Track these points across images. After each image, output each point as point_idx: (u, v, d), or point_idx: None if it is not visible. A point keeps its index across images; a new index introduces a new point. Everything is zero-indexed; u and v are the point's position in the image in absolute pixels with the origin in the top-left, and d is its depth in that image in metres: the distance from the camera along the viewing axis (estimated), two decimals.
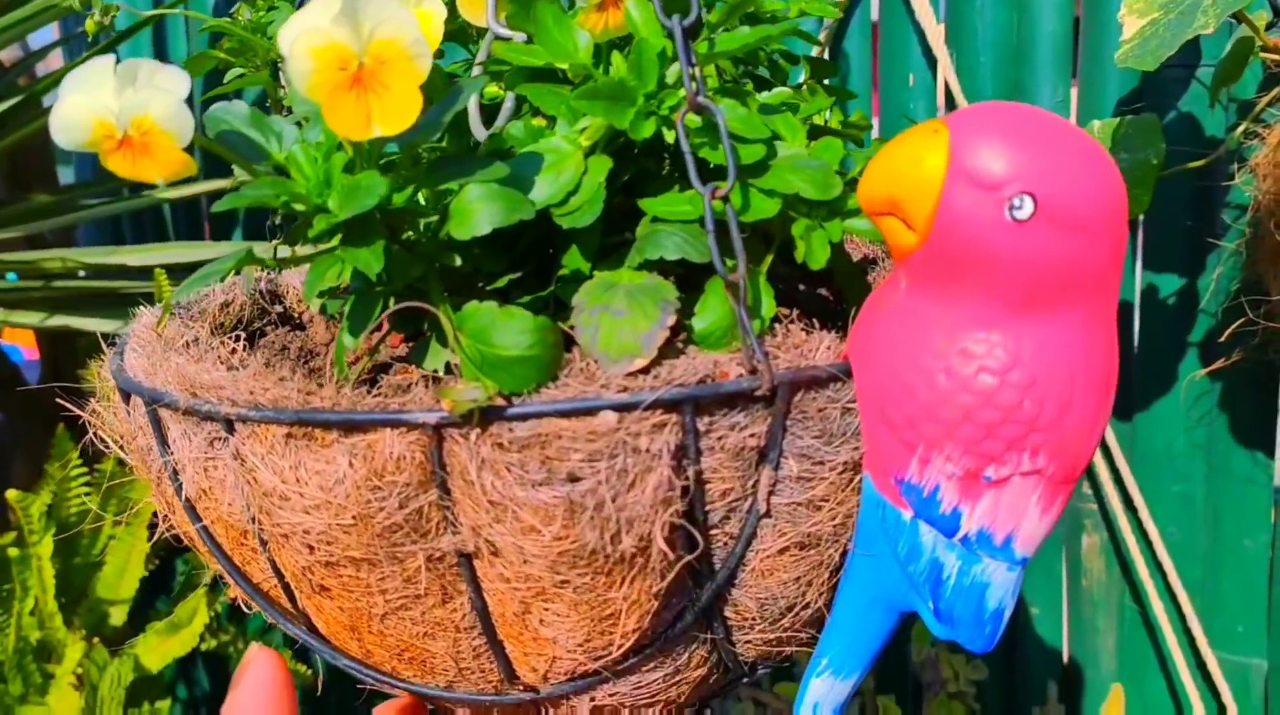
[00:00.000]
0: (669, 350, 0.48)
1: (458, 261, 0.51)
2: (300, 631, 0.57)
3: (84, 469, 1.24)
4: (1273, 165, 0.83)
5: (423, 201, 0.49)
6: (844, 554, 0.51)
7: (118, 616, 1.37)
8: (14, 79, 1.60)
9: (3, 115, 1.39)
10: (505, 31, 0.58)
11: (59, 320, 1.31)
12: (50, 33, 1.72)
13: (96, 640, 1.33)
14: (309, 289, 0.46)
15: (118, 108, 0.42)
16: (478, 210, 0.47)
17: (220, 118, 0.48)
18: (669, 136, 0.52)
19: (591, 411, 0.45)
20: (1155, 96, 1.03)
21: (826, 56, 1.19)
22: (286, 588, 0.53)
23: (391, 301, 0.50)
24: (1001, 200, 0.42)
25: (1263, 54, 0.81)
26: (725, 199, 0.49)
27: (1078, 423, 0.44)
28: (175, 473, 0.53)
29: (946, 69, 1.05)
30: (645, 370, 0.47)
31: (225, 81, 0.73)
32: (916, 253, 0.44)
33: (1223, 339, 0.98)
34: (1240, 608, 1.08)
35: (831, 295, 0.66)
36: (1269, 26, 0.82)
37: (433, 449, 0.46)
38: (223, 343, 0.57)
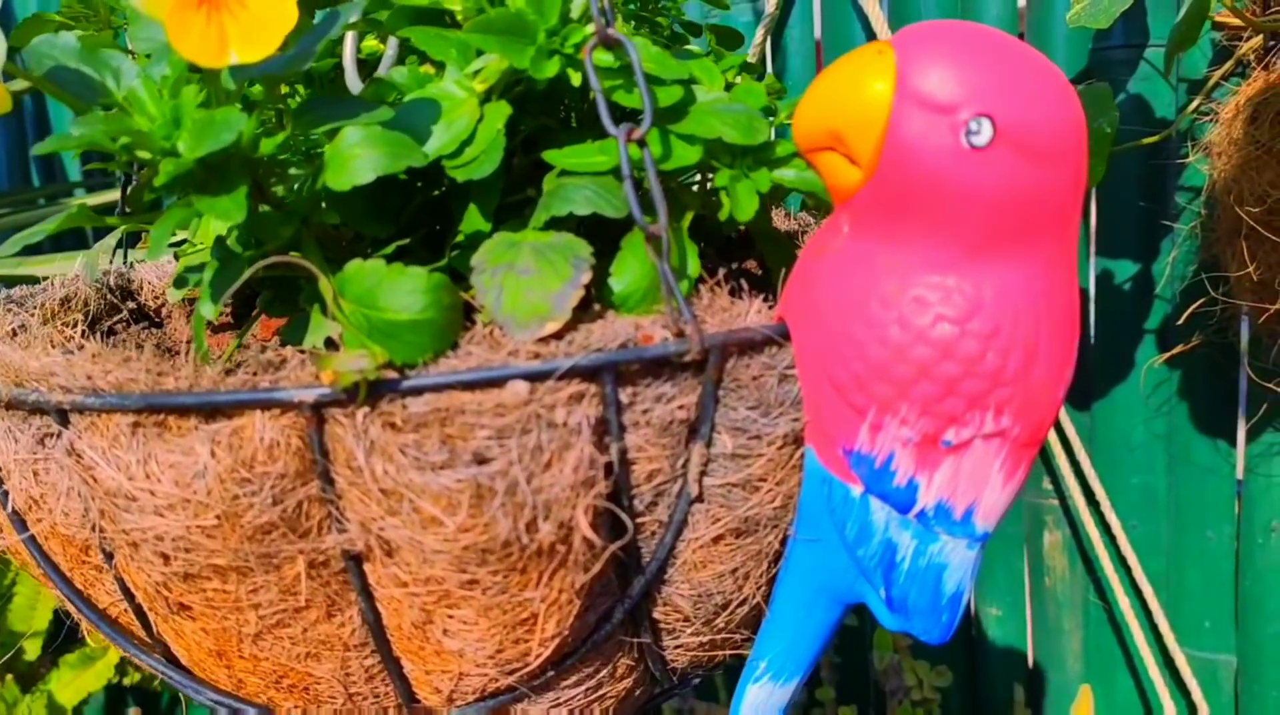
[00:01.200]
0: (584, 314, 0.43)
1: (335, 220, 0.44)
2: (157, 663, 0.49)
3: None
4: (1228, 143, 0.82)
5: (292, 153, 0.43)
6: (784, 541, 0.47)
7: (31, 650, 1.30)
8: None
9: None
10: None
11: None
12: None
13: (9, 676, 1.26)
14: (153, 246, 0.39)
15: None
16: (358, 156, 0.41)
17: (45, 52, 0.41)
18: (574, 80, 0.47)
19: (499, 382, 0.40)
20: (1103, 75, 1.01)
21: (769, 56, 1.16)
22: (139, 610, 0.46)
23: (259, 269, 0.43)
24: (957, 124, 0.38)
25: (1214, 31, 0.80)
26: (642, 143, 0.44)
27: (1043, 375, 0.40)
28: None
29: None
30: (558, 335, 0.42)
31: None
32: (861, 190, 0.40)
33: (1180, 322, 0.97)
34: (1206, 603, 1.07)
35: (755, 264, 0.61)
36: None
37: (311, 432, 0.39)
38: (58, 329, 0.49)
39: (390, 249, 0.49)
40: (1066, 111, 0.39)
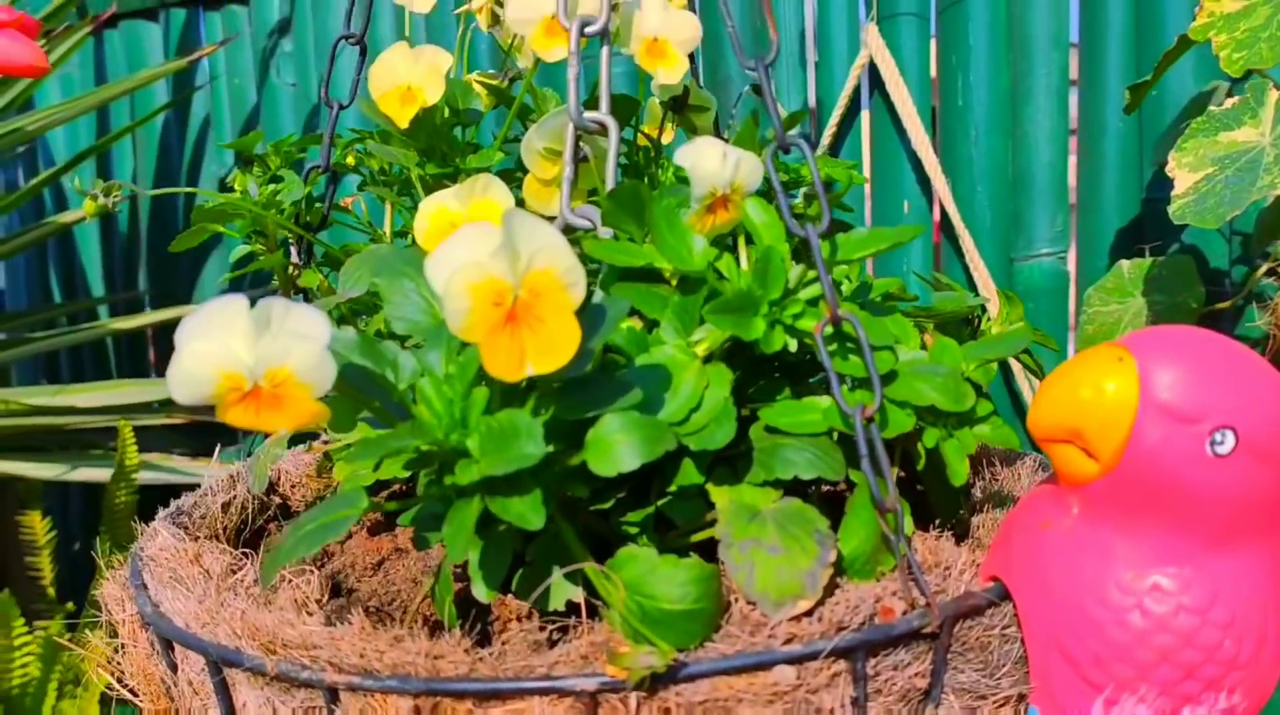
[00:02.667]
0: None
1: (584, 494, 0.47)
2: None
3: (27, 635, 1.12)
4: None
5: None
6: None
7: None
8: None
9: None
10: (580, 222, 0.56)
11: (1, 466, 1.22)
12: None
13: None
14: (453, 548, 0.42)
15: (252, 359, 0.38)
16: (619, 443, 0.44)
17: (336, 350, 0.44)
18: (790, 345, 0.51)
19: (765, 666, 0.42)
20: (1155, 224, 1.06)
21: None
22: None
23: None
24: (1201, 435, 0.41)
25: None
26: (871, 419, 0.47)
27: (1271, 656, 0.44)
28: None
29: (944, 197, 1.06)
30: (808, 611, 0.44)
31: (232, 262, 0.68)
32: (1097, 481, 0.43)
33: None
34: None
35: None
36: None
37: None
38: (289, 581, 0.51)
39: (609, 502, 0.52)
40: None
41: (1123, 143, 1.06)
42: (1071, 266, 1.10)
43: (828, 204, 0.48)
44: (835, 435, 0.51)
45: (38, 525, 1.32)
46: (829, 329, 0.49)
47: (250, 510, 0.70)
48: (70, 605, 1.35)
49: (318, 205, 0.76)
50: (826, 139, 1.12)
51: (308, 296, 0.70)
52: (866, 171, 1.15)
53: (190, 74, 1.52)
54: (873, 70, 1.11)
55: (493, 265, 0.40)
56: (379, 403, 0.44)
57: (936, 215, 1.14)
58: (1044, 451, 0.45)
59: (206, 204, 0.66)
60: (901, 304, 0.63)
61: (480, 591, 0.45)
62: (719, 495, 0.50)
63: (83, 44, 1.46)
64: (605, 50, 0.57)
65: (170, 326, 1.46)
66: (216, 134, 1.53)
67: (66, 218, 1.51)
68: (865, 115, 1.15)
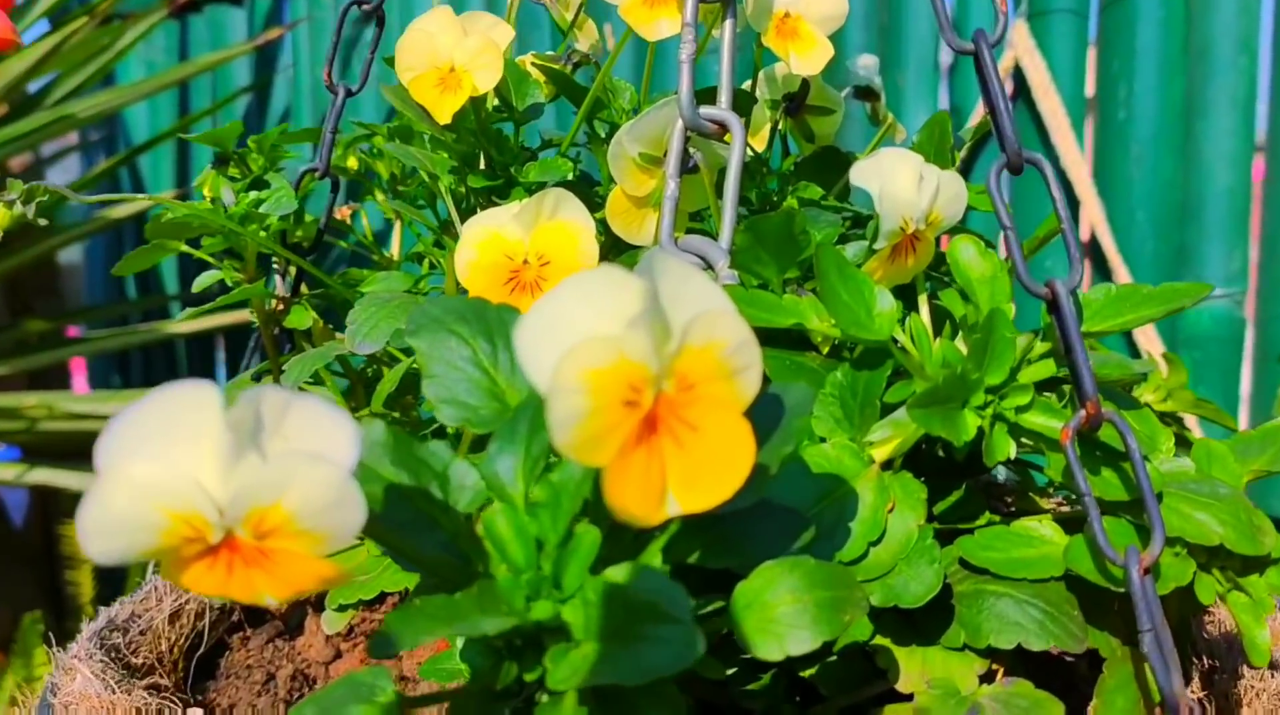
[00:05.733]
0: None
1: (720, 677, 0.33)
2: None
3: (49, 666, 1.02)
4: None
5: None
6: None
7: None
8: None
9: (8, 231, 1.22)
10: (688, 258, 0.41)
11: (39, 476, 1.16)
12: (67, 137, 1.61)
13: None
14: None
15: (228, 494, 0.23)
16: (788, 611, 0.30)
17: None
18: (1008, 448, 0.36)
19: None
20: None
21: None
22: None
23: None
24: None
25: None
26: (1150, 570, 0.33)
27: None
28: None
29: (1097, 224, 0.91)
30: None
31: (199, 290, 0.53)
32: None
33: None
34: None
35: None
36: None
37: None
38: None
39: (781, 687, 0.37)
40: None
41: None
42: (1249, 311, 0.95)
43: (1078, 248, 0.34)
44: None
45: (73, 535, 1.23)
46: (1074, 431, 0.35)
47: (208, 618, 0.55)
48: None
49: (309, 219, 0.61)
50: (963, 153, 0.97)
51: (293, 341, 0.54)
52: (1007, 194, 0.99)
53: (272, 60, 1.47)
54: (1018, 74, 0.96)
55: (630, 342, 0.25)
56: (416, 542, 0.29)
57: (1085, 239, 0.98)
58: None
59: (164, 215, 0.51)
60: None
61: None
62: (903, 660, 0.36)
63: (162, 25, 1.44)
64: (729, 24, 0.43)
65: (234, 330, 1.40)
66: (295, 125, 1.42)
67: (139, 204, 1.40)
68: None
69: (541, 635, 0.28)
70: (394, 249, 0.67)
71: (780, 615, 0.30)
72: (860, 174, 0.36)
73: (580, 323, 0.25)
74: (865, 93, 0.66)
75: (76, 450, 1.23)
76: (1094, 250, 0.96)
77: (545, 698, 0.28)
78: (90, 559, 0.23)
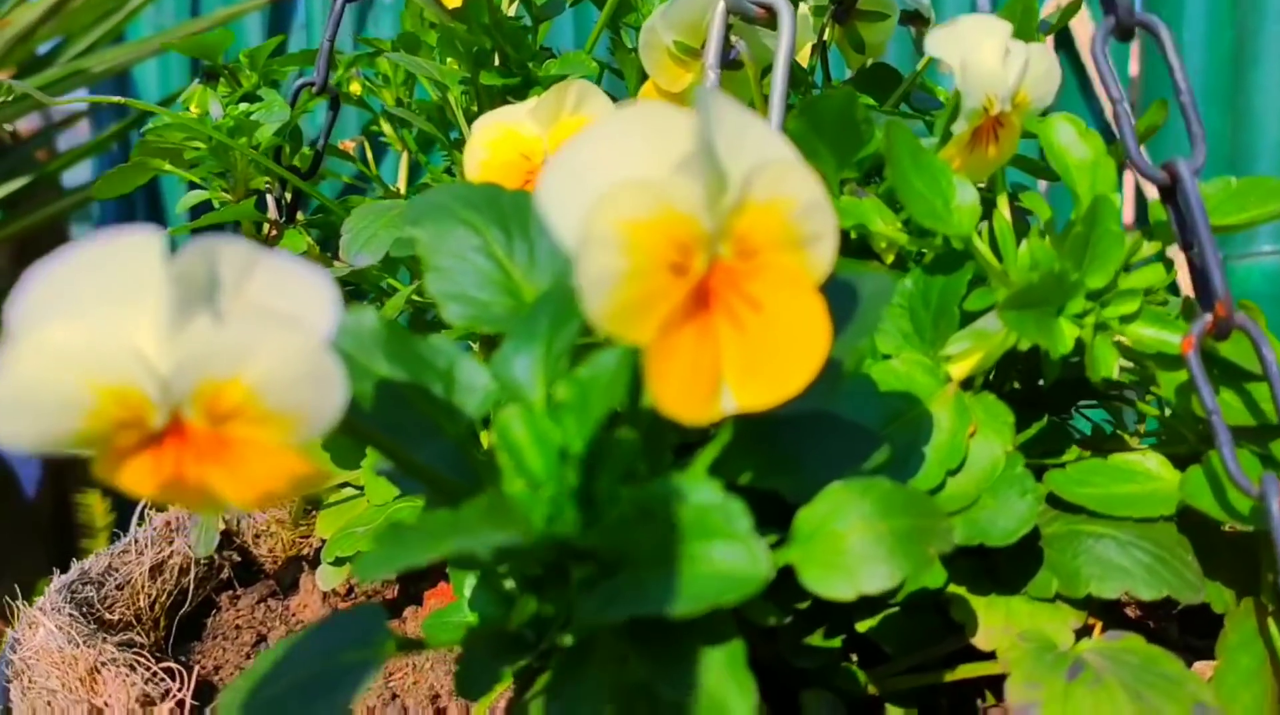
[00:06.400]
0: None
1: (778, 622, 0.28)
2: None
3: None
4: None
5: None
6: None
7: None
8: (31, 152, 1.39)
9: (16, 194, 1.19)
10: None
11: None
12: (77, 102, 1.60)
13: None
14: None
15: (172, 363, 0.18)
16: (859, 541, 0.25)
17: (344, 347, 0.24)
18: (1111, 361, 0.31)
19: None
20: None
21: None
22: None
23: None
24: None
25: None
26: None
27: None
28: None
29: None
30: None
31: (182, 212, 0.48)
32: None
33: None
34: None
35: None
36: None
37: None
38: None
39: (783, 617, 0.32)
40: None
41: None
42: None
43: (1199, 125, 0.29)
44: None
45: (97, 505, 1.18)
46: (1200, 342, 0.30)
47: (193, 574, 0.50)
48: None
49: (305, 150, 0.56)
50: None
51: None
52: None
53: (286, 18, 1.41)
54: (1063, 33, 0.91)
55: (678, 189, 0.20)
56: (416, 452, 0.24)
57: (1130, 197, 0.93)
58: None
59: (155, 127, 0.46)
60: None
61: None
62: (982, 612, 0.31)
63: None
64: None
65: None
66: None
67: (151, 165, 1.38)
68: None
69: (566, 562, 0.23)
70: (400, 181, 0.62)
71: (851, 547, 0.25)
72: (938, 43, 0.31)
73: (617, 167, 0.20)
74: (913, 17, 0.61)
75: None
76: (1138, 203, 0.91)
77: (568, 640, 0.24)
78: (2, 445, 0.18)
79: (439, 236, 0.29)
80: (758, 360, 0.22)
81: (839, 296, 0.25)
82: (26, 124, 1.57)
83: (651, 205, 0.20)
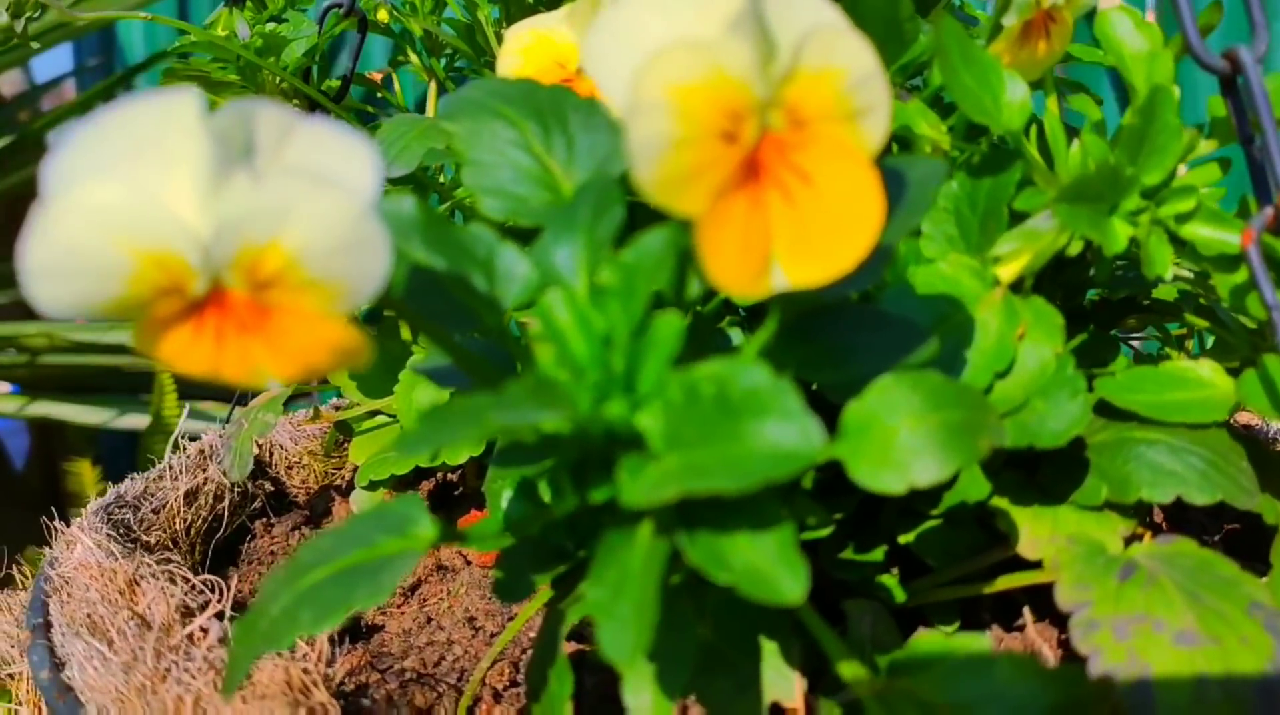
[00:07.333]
0: None
1: (820, 520, 0.27)
2: None
3: None
4: None
5: None
6: None
7: None
8: (15, 113, 1.39)
9: (0, 153, 1.19)
10: None
11: (40, 408, 1.14)
12: (63, 61, 1.59)
13: None
14: (614, 632, 0.22)
15: (212, 225, 0.18)
16: (908, 433, 0.24)
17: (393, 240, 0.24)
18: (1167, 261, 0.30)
19: None
20: None
21: None
22: None
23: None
24: None
25: None
26: None
27: None
28: None
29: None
30: None
31: None
32: None
33: None
34: None
35: None
36: None
37: None
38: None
39: (826, 529, 0.32)
40: None
41: None
42: None
43: (1261, 11, 0.28)
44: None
45: (87, 474, 1.19)
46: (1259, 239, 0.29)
47: (228, 501, 0.50)
48: None
49: (333, 81, 0.56)
50: None
51: None
52: None
53: None
54: None
55: (728, 52, 0.20)
56: (457, 336, 0.24)
57: None
58: None
59: (179, 43, 0.46)
60: None
61: (651, 708, 0.25)
62: (1026, 522, 0.31)
63: None
64: None
65: None
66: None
67: None
68: None
69: (612, 448, 0.23)
70: (429, 114, 0.61)
71: (902, 440, 0.24)
72: None
73: (665, 27, 0.20)
74: None
75: (78, 384, 1.21)
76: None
77: (613, 533, 0.23)
78: (42, 310, 0.18)
79: (475, 131, 0.28)
80: (809, 235, 0.21)
81: (888, 182, 0.25)
82: (10, 86, 1.57)
83: (702, 68, 0.19)
